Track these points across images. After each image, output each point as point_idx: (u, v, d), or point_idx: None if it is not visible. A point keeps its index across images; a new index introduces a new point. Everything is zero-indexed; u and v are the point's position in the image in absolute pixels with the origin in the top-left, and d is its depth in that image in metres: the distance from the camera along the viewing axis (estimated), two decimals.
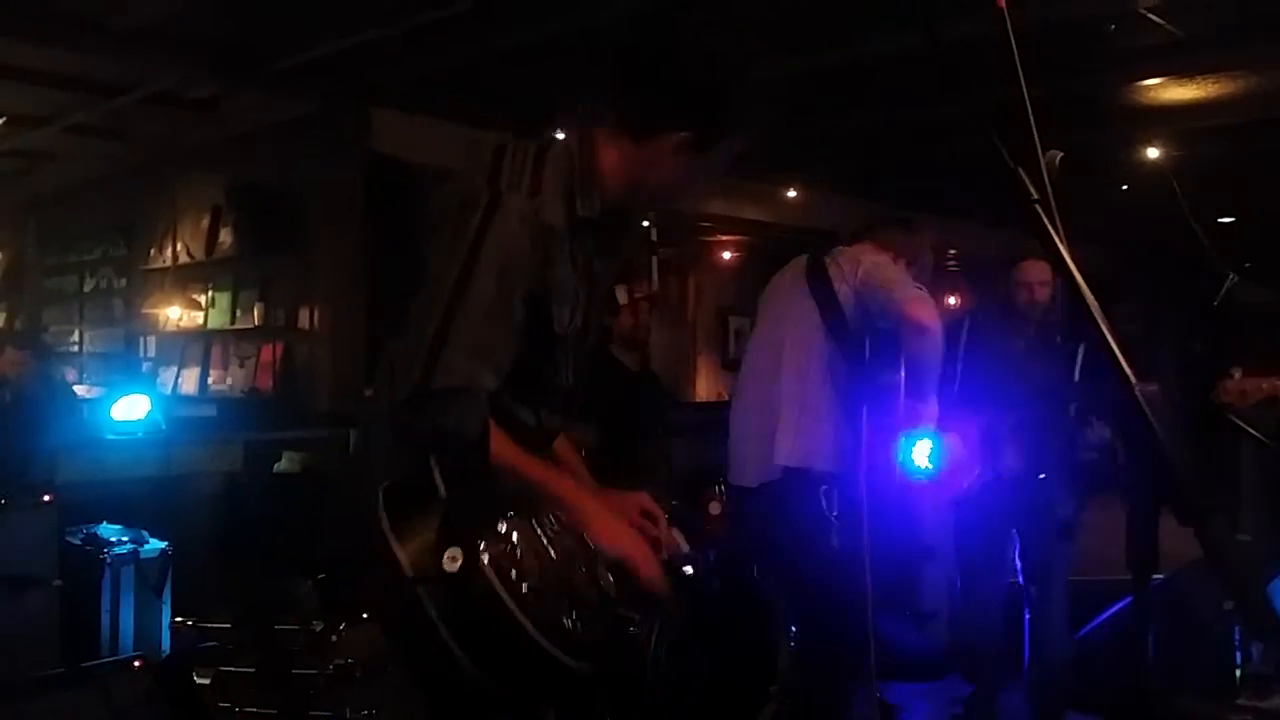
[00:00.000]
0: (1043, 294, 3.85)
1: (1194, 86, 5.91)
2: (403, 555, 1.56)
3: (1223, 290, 3.60)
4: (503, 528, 1.61)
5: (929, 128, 6.68)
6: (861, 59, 5.30)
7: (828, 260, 3.50)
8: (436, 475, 1.60)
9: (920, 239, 3.65)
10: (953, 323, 4.12)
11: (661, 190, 1.92)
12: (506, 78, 5.74)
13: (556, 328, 1.80)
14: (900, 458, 3.46)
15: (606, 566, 1.76)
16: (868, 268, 3.40)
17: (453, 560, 1.53)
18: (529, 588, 1.59)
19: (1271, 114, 6.22)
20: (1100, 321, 1.01)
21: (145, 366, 7.83)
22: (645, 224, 9.20)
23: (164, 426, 5.32)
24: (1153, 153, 6.79)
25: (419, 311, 1.68)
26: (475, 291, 1.65)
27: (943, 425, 3.69)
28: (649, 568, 1.80)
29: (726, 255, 10.86)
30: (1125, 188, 7.63)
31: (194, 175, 7.39)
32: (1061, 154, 1.19)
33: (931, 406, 3.37)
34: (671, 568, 2.26)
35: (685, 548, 2.53)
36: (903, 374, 3.34)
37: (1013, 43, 1.13)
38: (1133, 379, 1.00)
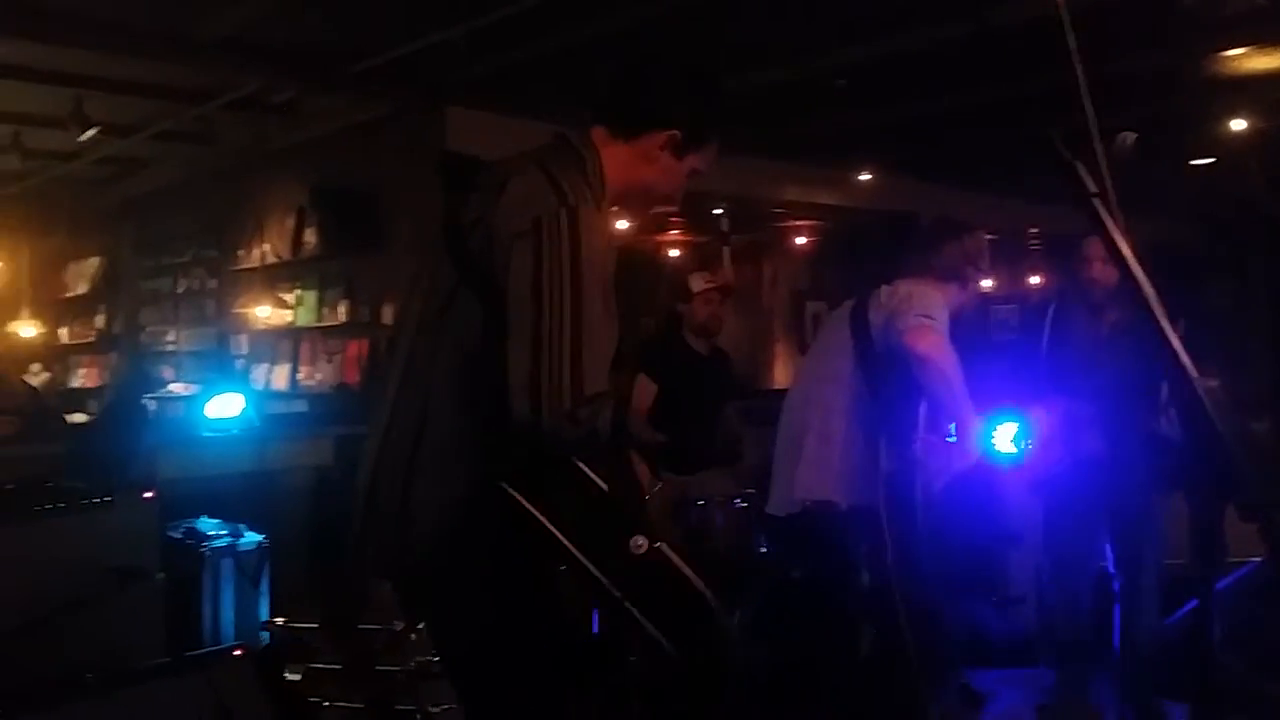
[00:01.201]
0: (1104, 272, 3.78)
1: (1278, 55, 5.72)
2: (568, 539, 1.77)
3: None
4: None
5: (1002, 109, 6.56)
6: (932, 42, 5.23)
7: (873, 295, 3.49)
8: (589, 472, 1.81)
9: (972, 243, 3.57)
10: (1038, 304, 4.08)
11: (651, 190, 2.03)
12: (576, 71, 5.78)
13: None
14: (983, 444, 3.42)
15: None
16: (901, 296, 3.37)
17: (639, 546, 1.78)
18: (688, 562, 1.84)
19: None
20: (1160, 316, 1.00)
21: (238, 364, 8.07)
22: (717, 212, 9.30)
23: (258, 423, 5.47)
24: (1238, 125, 6.58)
25: (542, 329, 1.77)
26: (588, 305, 1.77)
27: (1026, 405, 3.65)
28: None
29: (801, 240, 10.80)
30: (1211, 161, 7.41)
31: (278, 177, 7.59)
32: (1135, 135, 1.17)
33: (973, 433, 3.27)
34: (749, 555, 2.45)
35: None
36: (922, 411, 3.31)
37: (1069, 29, 1.11)
38: (1193, 373, 0.99)
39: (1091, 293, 3.84)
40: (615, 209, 2.10)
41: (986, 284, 3.61)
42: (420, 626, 3.58)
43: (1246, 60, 5.70)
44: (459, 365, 1.87)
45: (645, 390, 4.86)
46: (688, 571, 1.83)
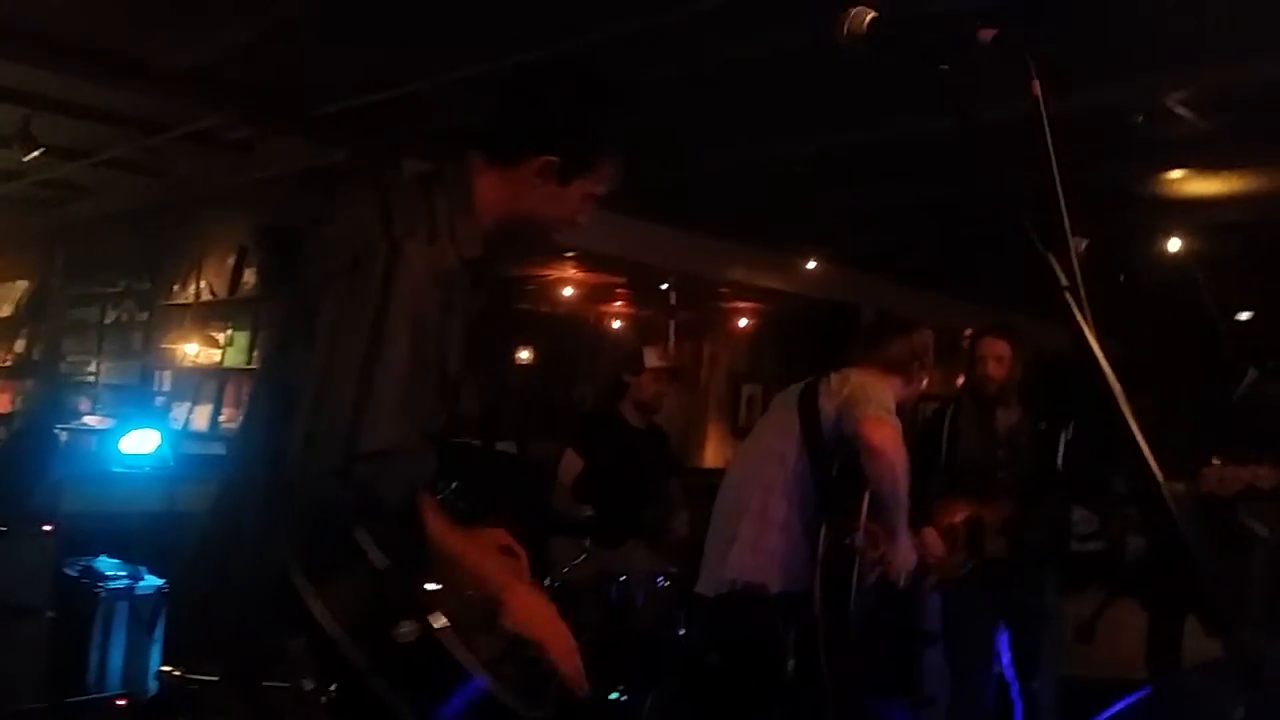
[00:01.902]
0: (998, 370, 3.89)
1: (1218, 181, 5.93)
2: (323, 613, 1.53)
3: (1244, 385, 3.60)
4: (440, 595, 1.59)
5: (950, 208, 6.71)
6: (885, 137, 5.34)
7: (823, 380, 3.51)
8: (368, 544, 1.55)
9: (919, 339, 3.63)
10: (938, 411, 4.15)
11: (538, 219, 1.86)
12: None
13: (450, 370, 1.77)
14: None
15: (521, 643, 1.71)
16: (853, 386, 3.40)
17: (408, 633, 1.52)
18: (481, 655, 1.59)
19: None
20: (1127, 414, 0.99)
21: (159, 401, 7.85)
22: (664, 286, 9.35)
23: (171, 462, 5.31)
24: (1174, 244, 6.79)
25: (328, 374, 1.60)
26: (390, 348, 1.59)
27: (928, 513, 3.66)
28: (568, 653, 1.75)
29: (742, 322, 10.89)
30: (1145, 279, 7.63)
31: (223, 214, 7.47)
32: (1087, 241, 1.19)
33: (901, 547, 3.28)
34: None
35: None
36: (865, 501, 3.30)
37: (1046, 128, 1.13)
38: (1159, 476, 0.97)
39: (987, 390, 3.92)
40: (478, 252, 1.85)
41: (926, 382, 3.65)
42: (333, 688, 3.43)
43: (1187, 183, 5.91)
44: (281, 413, 1.64)
45: (571, 464, 4.82)
46: (472, 669, 1.57)
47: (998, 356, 3.93)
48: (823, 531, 3.26)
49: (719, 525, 3.54)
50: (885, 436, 3.16)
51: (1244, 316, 8.54)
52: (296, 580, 1.54)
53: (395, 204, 1.71)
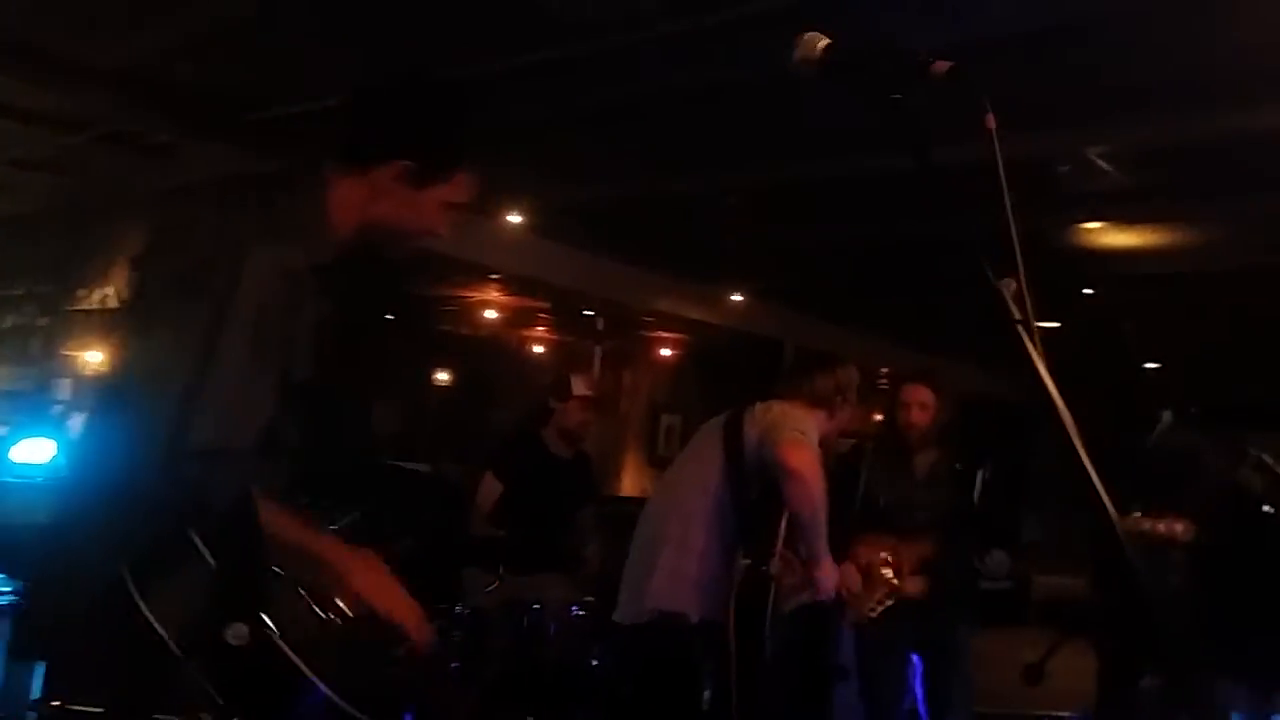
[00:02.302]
0: (921, 417, 3.95)
1: (1132, 234, 6.12)
2: (159, 620, 1.49)
3: (1158, 431, 3.68)
4: (279, 594, 1.59)
5: (875, 247, 6.82)
6: (818, 174, 5.40)
7: (748, 409, 3.51)
8: (199, 544, 1.52)
9: (844, 375, 3.65)
10: (856, 449, 4.19)
11: (394, 226, 1.84)
12: (477, 155, 5.72)
13: (297, 376, 1.72)
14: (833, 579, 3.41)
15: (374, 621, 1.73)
16: (776, 413, 3.41)
17: (238, 636, 1.49)
18: (316, 651, 1.58)
19: (1199, 267, 6.48)
20: (1080, 449, 0.97)
21: (56, 409, 7.55)
22: (589, 313, 9.32)
23: (66, 472, 5.09)
24: (1087, 292, 6.99)
25: (162, 375, 1.60)
26: (227, 344, 1.59)
27: (845, 550, 3.67)
28: (413, 621, 1.76)
29: (665, 352, 10.90)
30: (1058, 324, 7.84)
31: (135, 220, 7.23)
32: (1015, 283, 1.18)
33: (825, 570, 3.28)
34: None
35: None
36: (783, 526, 3.30)
37: (999, 161, 1.13)
38: (1114, 513, 0.95)
39: (909, 436, 3.98)
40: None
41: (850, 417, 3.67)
42: None
43: (1103, 234, 6.09)
44: (120, 418, 1.67)
45: (490, 488, 4.74)
46: (308, 674, 1.56)
47: (921, 403, 3.98)
48: (739, 558, 3.25)
49: (639, 554, 3.49)
50: (803, 460, 3.17)
51: (1152, 366, 8.82)
52: (129, 586, 1.50)
53: (238, 210, 1.74)
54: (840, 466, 4.08)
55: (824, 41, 1.29)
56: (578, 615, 4.08)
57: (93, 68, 5.02)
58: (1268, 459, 3.66)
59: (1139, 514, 3.17)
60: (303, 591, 1.64)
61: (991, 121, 1.17)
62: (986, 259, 1.11)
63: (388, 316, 2.08)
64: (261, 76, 5.13)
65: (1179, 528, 3.13)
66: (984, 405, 6.07)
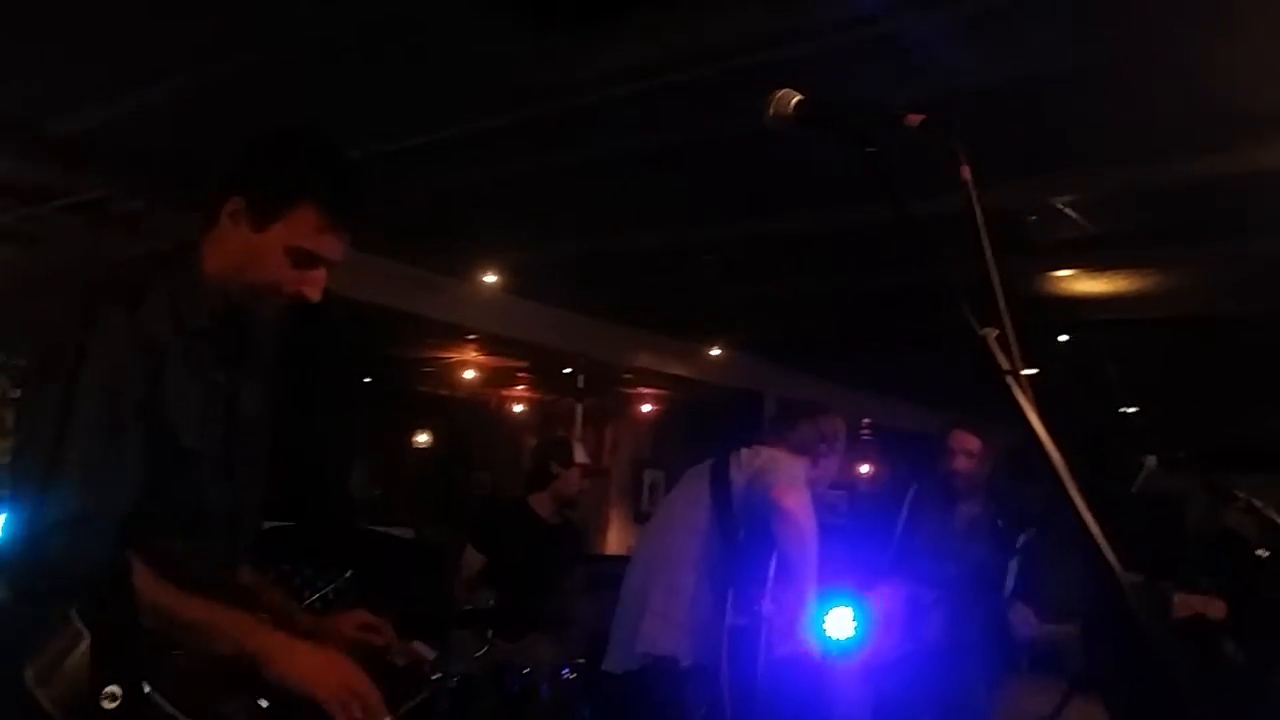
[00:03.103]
0: (966, 464, 3.95)
1: (1104, 280, 6.18)
2: (48, 701, 1.46)
3: (1142, 476, 3.70)
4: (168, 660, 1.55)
5: (854, 299, 6.86)
6: (792, 229, 5.44)
7: (734, 454, 3.54)
8: (75, 619, 1.48)
9: (827, 424, 3.67)
10: (894, 489, 4.20)
11: (242, 272, 1.75)
12: (427, 216, 5.74)
13: (184, 442, 1.69)
14: (815, 631, 3.38)
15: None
16: (765, 457, 3.44)
17: (111, 699, 1.43)
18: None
19: (1172, 313, 6.54)
20: (1075, 497, 0.97)
21: None
22: (569, 371, 9.31)
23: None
24: (1062, 339, 7.04)
25: (21, 455, 1.58)
26: (82, 413, 1.56)
27: (868, 589, 3.66)
28: (347, 697, 1.63)
29: (646, 408, 10.89)
30: (1035, 371, 7.88)
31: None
32: (997, 332, 1.19)
33: (805, 603, 3.28)
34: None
35: (428, 654, 2.52)
36: (773, 567, 3.30)
37: (978, 211, 1.13)
38: (1117, 568, 0.94)
39: (953, 484, 3.98)
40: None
41: (834, 466, 3.68)
42: None
43: (1075, 281, 6.14)
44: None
45: (471, 560, 4.71)
46: None
47: (969, 451, 4.00)
48: (730, 599, 3.25)
49: (628, 600, 3.49)
50: (796, 501, 3.22)
51: (1129, 410, 8.89)
52: (26, 675, 1.48)
53: (99, 286, 1.69)
54: (876, 506, 4.07)
55: (797, 97, 1.30)
56: (569, 677, 4.03)
57: (55, 135, 5.01)
58: (1257, 502, 3.67)
59: (1178, 593, 3.17)
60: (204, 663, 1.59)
61: (967, 173, 1.17)
62: (969, 308, 1.10)
63: (365, 379, 2.05)
64: (218, 144, 5.12)
65: (1214, 606, 3.15)
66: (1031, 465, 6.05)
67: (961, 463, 3.99)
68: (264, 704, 1.65)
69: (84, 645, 1.46)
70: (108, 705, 1.42)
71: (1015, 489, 4.12)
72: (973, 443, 4.01)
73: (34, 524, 1.52)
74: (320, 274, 1.78)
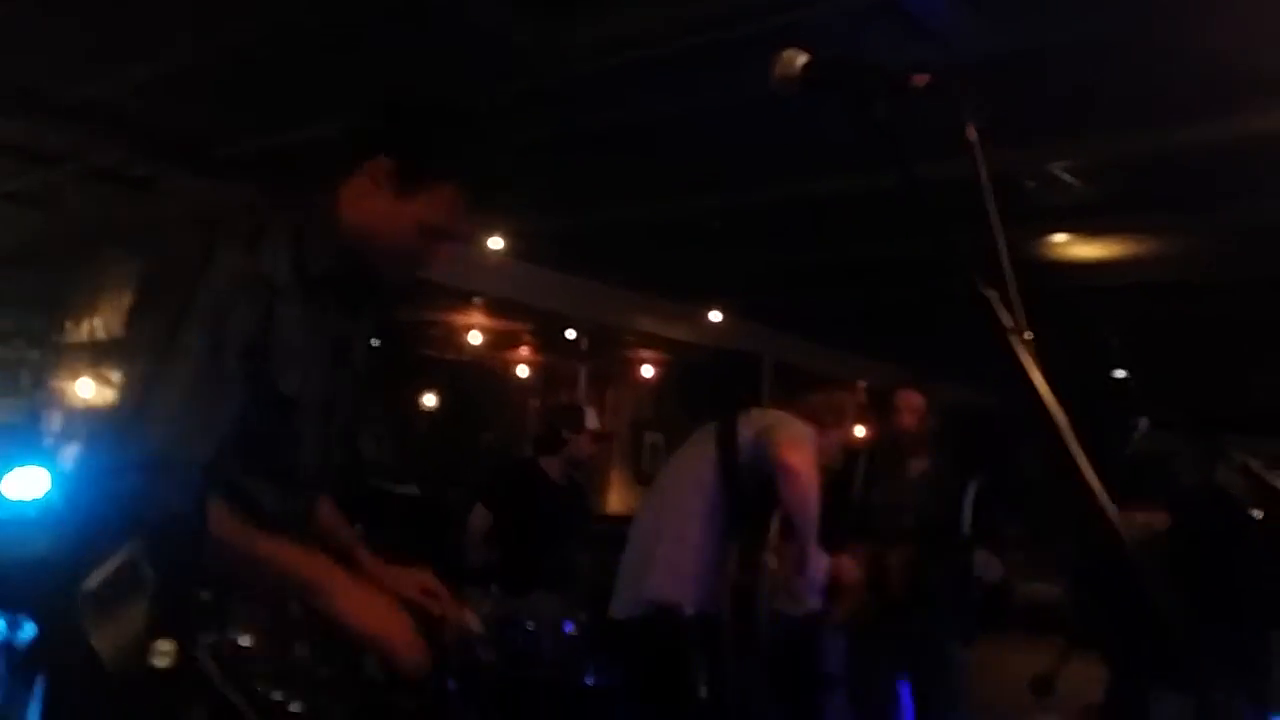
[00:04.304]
0: (911, 420, 4.08)
1: (1099, 245, 6.25)
2: (103, 647, 1.40)
3: (1136, 437, 3.77)
4: (231, 616, 1.50)
5: (853, 264, 6.92)
6: (793, 195, 5.50)
7: (743, 413, 3.59)
8: (140, 558, 1.41)
9: (841, 397, 3.76)
10: (852, 453, 4.29)
11: (374, 235, 1.71)
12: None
13: (285, 390, 1.63)
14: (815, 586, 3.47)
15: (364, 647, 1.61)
16: (773, 416, 3.50)
17: (163, 654, 1.37)
18: (259, 679, 1.49)
19: (1166, 277, 6.61)
20: (1075, 449, 0.99)
21: (47, 442, 7.54)
22: (573, 334, 9.39)
23: (60, 504, 5.10)
24: (1058, 303, 7.10)
25: (121, 392, 1.53)
26: (182, 351, 1.51)
27: (835, 550, 3.75)
28: (402, 645, 1.61)
29: (646, 371, 10.96)
30: (1030, 336, 7.95)
31: (122, 253, 7.26)
32: (999, 293, 1.20)
33: (816, 557, 3.36)
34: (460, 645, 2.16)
35: (477, 628, 2.45)
36: (775, 519, 3.37)
37: (984, 173, 1.15)
38: (1115, 517, 0.94)
39: (902, 440, 4.09)
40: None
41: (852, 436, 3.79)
42: None
43: (1070, 246, 6.21)
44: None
45: (479, 518, 4.82)
46: (233, 697, 1.46)
47: (913, 408, 4.12)
48: (733, 551, 3.31)
49: (635, 550, 3.55)
50: (800, 458, 3.25)
51: (1122, 374, 8.96)
52: (83, 611, 1.42)
53: (217, 224, 1.64)
54: (837, 472, 4.18)
55: (803, 58, 1.27)
56: (571, 632, 4.12)
57: (68, 103, 5.06)
58: (1253, 463, 3.75)
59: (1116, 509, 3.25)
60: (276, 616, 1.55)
61: (972, 133, 1.18)
62: (973, 269, 1.11)
63: (373, 341, 1.98)
64: (231, 111, 5.19)
65: (1157, 518, 3.22)
66: (972, 416, 6.17)
67: (908, 419, 4.12)
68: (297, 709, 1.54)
69: (146, 595, 1.40)
70: (159, 662, 1.37)
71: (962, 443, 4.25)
72: (917, 400, 4.15)
73: (114, 460, 1.47)
74: (446, 249, 1.76)
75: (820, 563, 3.37)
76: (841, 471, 4.14)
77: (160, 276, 1.64)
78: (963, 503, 3.92)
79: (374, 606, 1.63)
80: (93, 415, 1.57)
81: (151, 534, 1.42)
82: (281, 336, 1.61)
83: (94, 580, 1.43)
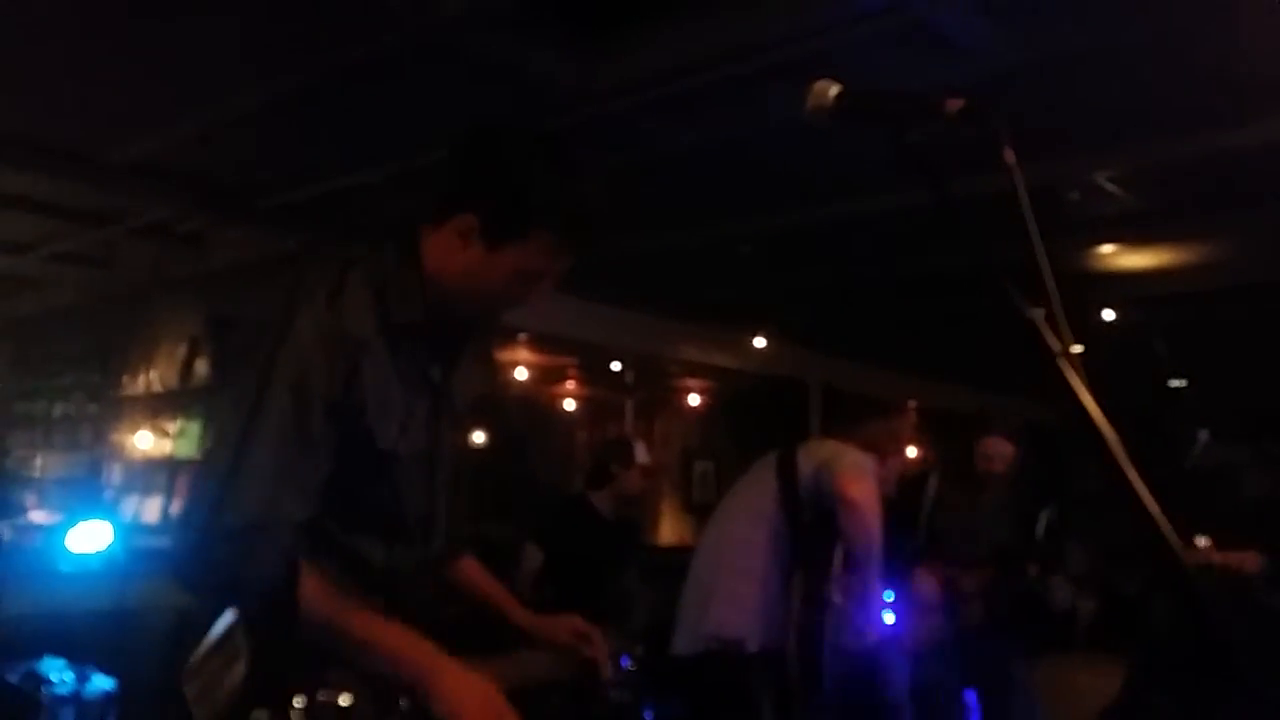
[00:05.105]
0: (1000, 466, 4.04)
1: (1148, 254, 6.16)
2: (200, 715, 1.42)
3: (1196, 450, 3.71)
4: (323, 686, 1.46)
5: (897, 281, 6.88)
6: (836, 216, 5.49)
7: (801, 445, 3.57)
8: (237, 627, 1.43)
9: (899, 422, 3.74)
10: (918, 475, 4.25)
11: (467, 287, 1.67)
12: None
13: (383, 444, 1.61)
14: (879, 622, 3.43)
15: None
16: (832, 447, 3.47)
17: None
18: None
19: (1217, 284, 6.50)
20: (1130, 471, 0.97)
21: (108, 494, 7.68)
22: (618, 366, 9.39)
23: (122, 556, 5.18)
24: (1108, 315, 7.01)
25: (210, 455, 1.53)
26: (269, 412, 1.49)
27: (905, 575, 3.71)
28: None
29: (693, 400, 10.93)
30: (1081, 349, 7.83)
31: (174, 304, 7.41)
32: (1045, 312, 1.18)
33: (871, 594, 3.31)
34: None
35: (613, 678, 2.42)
36: (838, 552, 3.33)
37: (1024, 194, 1.13)
38: (1175, 542, 0.92)
39: (983, 481, 4.04)
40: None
41: (909, 457, 3.76)
42: None
43: (1119, 257, 6.13)
44: None
45: (531, 557, 4.82)
46: None
47: (1001, 456, 4.09)
48: (796, 584, 3.28)
49: (696, 584, 3.54)
50: (862, 491, 3.23)
51: (1176, 384, 8.81)
52: (183, 677, 1.45)
53: (307, 274, 1.62)
54: (904, 493, 4.14)
55: (835, 89, 1.27)
56: (628, 667, 4.11)
57: (115, 163, 5.19)
58: None
59: (1207, 543, 3.16)
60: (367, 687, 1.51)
61: (1011, 156, 1.16)
62: (1016, 289, 1.10)
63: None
64: (274, 163, 5.29)
65: (1249, 561, 3.13)
66: (1036, 434, 6.10)
67: (996, 465, 4.08)
68: None
69: (242, 663, 1.41)
70: None
71: (1034, 470, 4.20)
72: (1006, 448, 4.10)
73: (210, 528, 1.46)
74: (545, 285, 1.71)
75: (878, 595, 3.33)
76: (906, 498, 4.10)
77: (255, 333, 1.62)
78: (1035, 530, 3.88)
79: (472, 697, 1.52)
80: (189, 476, 1.56)
81: (246, 602, 1.44)
82: (374, 391, 1.59)
83: (198, 654, 1.46)
